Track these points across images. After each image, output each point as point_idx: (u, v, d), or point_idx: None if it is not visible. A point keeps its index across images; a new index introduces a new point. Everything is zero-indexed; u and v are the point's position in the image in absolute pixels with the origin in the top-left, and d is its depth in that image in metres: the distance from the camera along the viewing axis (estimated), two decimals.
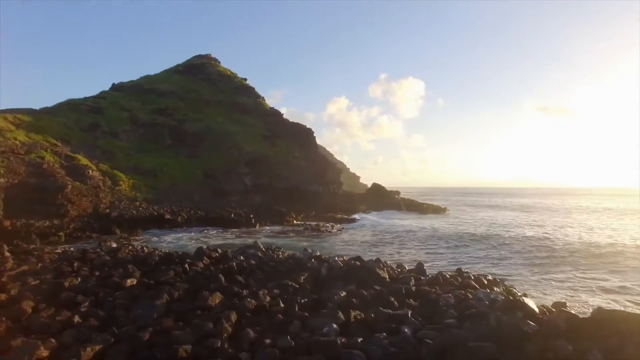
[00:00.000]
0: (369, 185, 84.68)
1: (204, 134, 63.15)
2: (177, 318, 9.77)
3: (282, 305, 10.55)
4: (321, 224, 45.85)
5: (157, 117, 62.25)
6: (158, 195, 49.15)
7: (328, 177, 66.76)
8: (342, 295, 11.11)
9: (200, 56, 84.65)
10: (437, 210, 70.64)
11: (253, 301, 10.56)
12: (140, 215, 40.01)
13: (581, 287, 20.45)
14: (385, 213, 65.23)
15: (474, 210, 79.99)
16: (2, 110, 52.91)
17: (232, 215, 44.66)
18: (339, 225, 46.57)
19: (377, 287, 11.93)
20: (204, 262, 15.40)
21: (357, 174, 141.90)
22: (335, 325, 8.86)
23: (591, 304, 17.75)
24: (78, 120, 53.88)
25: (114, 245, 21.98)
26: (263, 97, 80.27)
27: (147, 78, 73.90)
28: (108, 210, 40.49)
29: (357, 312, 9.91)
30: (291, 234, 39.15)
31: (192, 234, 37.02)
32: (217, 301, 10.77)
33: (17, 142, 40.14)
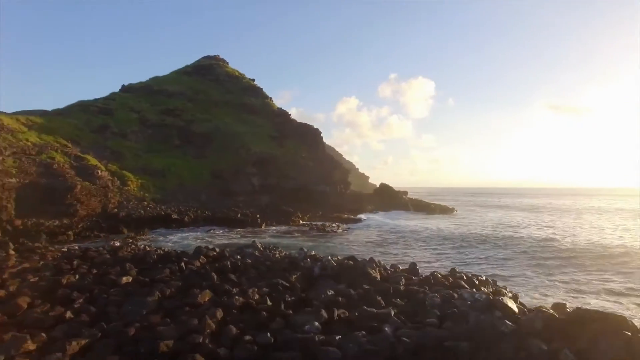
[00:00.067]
0: (378, 186, 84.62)
1: (212, 135, 63.80)
2: (166, 314, 10.03)
3: (269, 303, 10.75)
4: (327, 224, 45.99)
5: (166, 118, 63.09)
6: (166, 195, 49.84)
7: (335, 177, 66.86)
8: (330, 294, 11.27)
9: (208, 57, 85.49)
10: (445, 211, 70.26)
11: (241, 299, 10.79)
12: (147, 215, 40.63)
13: (586, 288, 20.26)
14: (392, 213, 65.12)
15: (483, 211, 79.34)
16: (16, 112, 54.37)
17: (239, 215, 45.06)
18: (345, 225, 46.68)
19: (366, 287, 12.06)
20: (200, 260, 15.69)
21: (367, 174, 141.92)
22: (317, 323, 9.03)
23: (594, 305, 17.60)
24: (88, 121, 54.93)
25: (117, 244, 22.42)
26: (271, 98, 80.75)
27: (156, 79, 74.90)
28: (116, 210, 41.21)
29: (342, 310, 10.06)
30: (296, 234, 39.36)
31: (198, 233, 37.49)
32: (207, 298, 11.02)
33: (29, 143, 41.11)
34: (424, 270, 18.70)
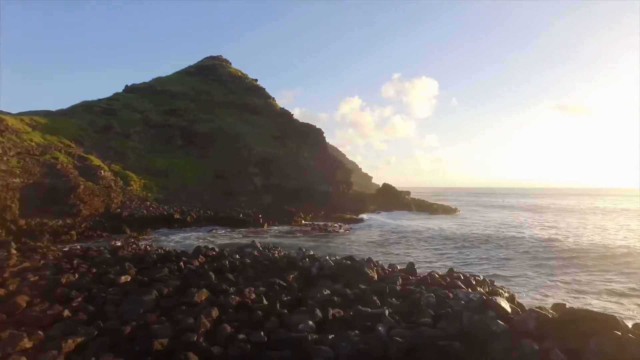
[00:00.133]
0: (381, 186, 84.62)
1: (215, 135, 64.03)
2: (163, 313, 10.12)
3: (265, 302, 10.82)
4: (329, 224, 46.06)
5: (169, 118, 63.40)
6: (168, 195, 50.08)
7: (338, 177, 66.91)
8: (326, 293, 11.32)
9: (211, 57, 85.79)
10: (447, 211, 70.14)
11: (237, 298, 10.87)
12: (150, 215, 40.85)
13: (587, 289, 20.19)
14: (394, 213, 65.09)
15: (486, 211, 79.13)
16: (20, 112, 54.89)
17: (241, 215, 45.22)
18: (347, 225, 46.73)
19: (362, 286, 12.10)
20: (199, 260, 15.79)
21: (370, 174, 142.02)
22: (311, 322, 9.09)
23: (594, 306, 17.55)
24: (92, 121, 55.28)
25: (119, 244, 22.58)
26: (273, 98, 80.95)
27: (159, 80, 75.28)
28: (119, 210, 41.45)
29: (337, 310, 10.10)
30: (298, 234, 39.43)
31: (200, 233, 37.66)
32: (204, 298, 11.11)
33: (33, 144, 41.43)
34: (425, 270, 18.72)
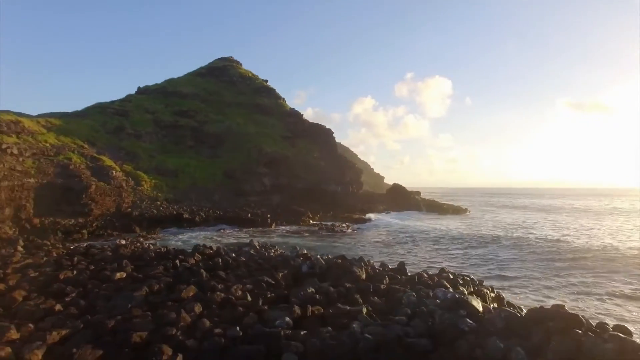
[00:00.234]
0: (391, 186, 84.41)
1: (225, 135, 64.83)
2: (150, 308, 10.51)
3: (249, 299, 11.12)
4: (337, 224, 46.24)
5: (180, 119, 64.44)
6: (179, 195, 50.98)
7: (347, 178, 67.02)
8: (310, 291, 11.56)
9: (222, 59, 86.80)
10: (457, 211, 69.59)
11: (222, 295, 11.19)
12: (160, 215, 41.68)
13: (592, 290, 19.96)
14: (404, 213, 64.90)
15: (497, 211, 78.18)
16: (40, 114, 56.60)
17: (249, 215, 45.74)
18: (355, 225, 46.86)
19: (348, 285, 12.30)
20: (195, 258, 16.20)
21: (383, 174, 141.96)
22: (288, 319, 9.35)
23: (596, 307, 17.37)
24: (104, 122, 56.64)
25: (123, 242, 23.20)
26: (283, 98, 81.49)
27: (171, 81, 76.55)
28: (130, 209, 42.43)
29: (317, 307, 10.34)
30: (305, 234, 39.73)
31: (208, 232, 38.29)
32: (191, 294, 11.47)
33: (48, 145, 42.74)
34: (427, 270, 18.73)
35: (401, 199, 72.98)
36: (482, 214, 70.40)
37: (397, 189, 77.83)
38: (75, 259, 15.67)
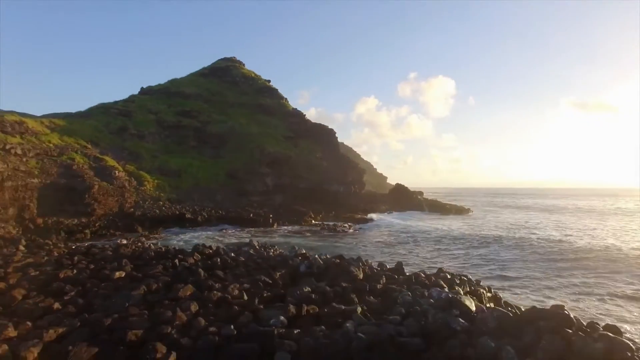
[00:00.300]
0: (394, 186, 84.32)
1: (227, 135, 65.04)
2: (147, 307, 10.61)
3: (245, 298, 11.20)
4: (339, 224, 46.27)
5: (182, 119, 64.71)
6: (181, 195, 51.21)
7: (350, 178, 67.05)
8: (306, 290, 11.62)
9: (225, 59, 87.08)
10: (460, 211, 69.45)
11: (219, 294, 11.28)
12: (162, 215, 41.89)
13: (593, 291, 19.91)
14: (406, 213, 64.86)
15: (500, 211, 77.96)
16: (44, 115, 57.05)
17: (251, 215, 45.87)
18: (357, 225, 46.89)
19: (344, 284, 12.36)
20: (194, 257, 16.31)
21: (386, 174, 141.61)
22: (282, 318, 9.42)
23: (597, 307, 17.33)
24: (107, 123, 56.99)
25: (124, 241, 23.36)
26: (286, 99, 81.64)
27: (173, 81, 76.88)
28: (132, 209, 42.68)
29: (312, 306, 10.40)
30: (307, 234, 39.81)
31: (210, 232, 38.46)
32: (188, 293, 11.57)
33: (51, 145, 43.07)
34: (429, 270, 18.73)
35: (404, 199, 72.93)
36: (484, 214, 70.23)
37: (399, 189, 77.78)
38: (76, 258, 15.82)
